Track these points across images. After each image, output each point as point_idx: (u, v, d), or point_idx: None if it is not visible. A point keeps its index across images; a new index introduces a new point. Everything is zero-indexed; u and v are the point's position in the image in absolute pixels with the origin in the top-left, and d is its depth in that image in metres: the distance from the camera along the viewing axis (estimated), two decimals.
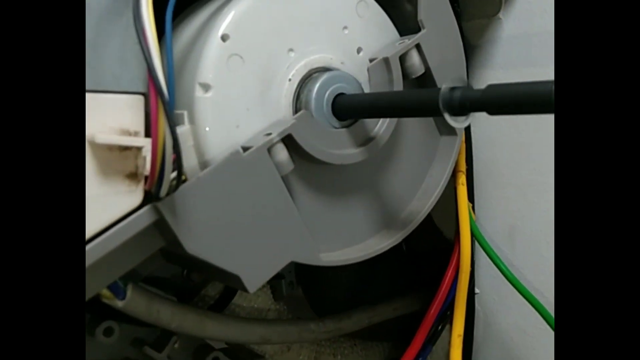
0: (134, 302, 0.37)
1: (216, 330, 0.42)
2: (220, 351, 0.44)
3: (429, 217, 0.58)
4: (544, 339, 0.47)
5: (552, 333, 0.46)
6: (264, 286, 0.52)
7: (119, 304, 0.37)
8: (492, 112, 0.31)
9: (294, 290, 0.58)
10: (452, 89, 0.32)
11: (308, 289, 0.58)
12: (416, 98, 0.35)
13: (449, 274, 0.46)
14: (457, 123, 0.33)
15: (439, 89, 0.32)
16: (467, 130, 0.49)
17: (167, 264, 0.48)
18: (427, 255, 0.60)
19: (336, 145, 0.39)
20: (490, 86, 0.31)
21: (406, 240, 0.60)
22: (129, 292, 0.37)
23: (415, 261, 0.60)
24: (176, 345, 0.42)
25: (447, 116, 0.32)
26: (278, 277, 0.57)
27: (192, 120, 0.37)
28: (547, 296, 0.44)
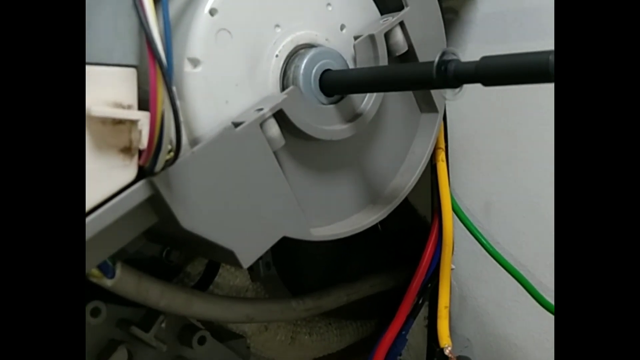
0: (123, 280, 0.36)
1: (203, 309, 0.42)
2: (206, 330, 0.44)
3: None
4: (519, 312, 0.49)
5: (527, 305, 0.48)
6: None
7: (108, 282, 0.36)
8: (486, 84, 0.31)
9: (270, 271, 0.58)
10: (446, 61, 0.32)
11: (283, 270, 0.58)
12: (410, 71, 0.35)
13: (429, 249, 0.47)
14: (451, 96, 0.33)
15: (432, 62, 0.33)
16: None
17: (145, 245, 0.48)
18: (402, 233, 0.61)
19: (325, 121, 0.39)
20: (484, 58, 0.31)
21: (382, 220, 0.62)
22: (118, 271, 0.36)
23: (390, 239, 0.61)
24: (163, 325, 0.41)
25: (441, 89, 0.33)
26: None
27: (181, 97, 0.36)
28: (526, 267, 0.45)
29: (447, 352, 0.39)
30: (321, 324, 0.59)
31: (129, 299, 0.38)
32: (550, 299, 0.44)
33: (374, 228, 0.61)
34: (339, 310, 0.60)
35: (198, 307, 0.41)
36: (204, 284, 0.47)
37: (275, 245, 0.58)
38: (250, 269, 0.55)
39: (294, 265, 0.58)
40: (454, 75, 0.32)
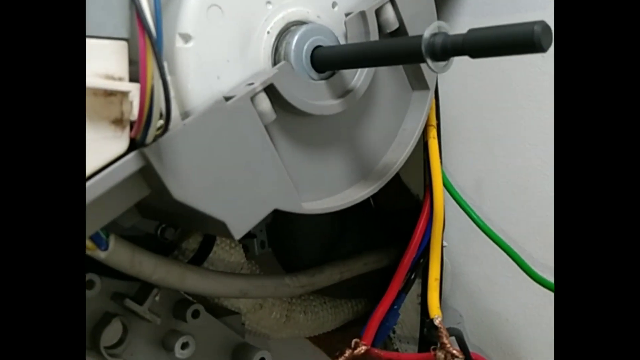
0: (116, 253, 0.37)
1: (197, 283, 0.42)
2: (200, 304, 0.44)
3: (396, 175, 0.60)
4: (511, 287, 0.49)
5: (518, 280, 0.48)
6: (236, 244, 0.53)
7: (102, 254, 0.36)
8: (474, 55, 0.32)
9: (265, 250, 0.58)
10: (434, 34, 0.33)
11: (278, 249, 0.59)
12: (399, 45, 0.35)
13: (421, 224, 0.47)
14: (439, 68, 0.34)
15: (421, 35, 0.33)
16: (435, 87, 0.50)
17: (140, 223, 0.49)
18: (396, 213, 0.62)
19: (316, 97, 0.39)
20: (471, 30, 0.32)
21: (375, 198, 0.62)
22: (111, 243, 0.37)
23: (384, 219, 0.62)
24: (157, 298, 0.42)
25: (429, 61, 0.33)
26: (250, 236, 0.58)
27: (172, 72, 0.36)
28: (518, 242, 0.46)
29: (437, 322, 0.39)
30: (316, 303, 0.60)
31: (122, 272, 0.39)
32: (542, 273, 0.44)
33: (368, 208, 0.63)
34: (334, 289, 0.60)
35: (191, 280, 0.41)
36: (198, 261, 0.48)
37: (270, 224, 0.59)
38: (246, 248, 0.56)
39: (288, 245, 0.58)
40: (441, 48, 0.33)
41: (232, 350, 0.48)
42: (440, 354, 0.38)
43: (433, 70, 0.34)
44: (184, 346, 0.43)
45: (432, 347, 0.39)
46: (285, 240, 0.58)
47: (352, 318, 0.63)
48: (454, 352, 0.37)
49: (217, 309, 0.51)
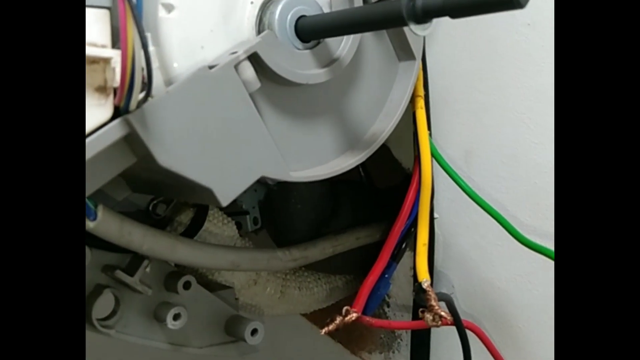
0: (105, 223, 0.37)
1: (187, 254, 0.42)
2: (191, 275, 0.45)
3: (387, 151, 0.60)
4: (502, 255, 0.50)
5: (510, 249, 0.49)
6: (228, 221, 0.53)
7: (90, 224, 0.37)
8: (454, 16, 0.32)
9: (257, 226, 0.59)
10: None
11: (271, 226, 0.59)
12: (380, 10, 0.35)
13: (411, 193, 0.47)
14: (421, 31, 0.34)
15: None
16: (423, 59, 0.51)
17: (131, 200, 0.49)
18: (388, 190, 0.62)
19: (301, 66, 0.40)
20: None
21: (367, 175, 0.62)
22: (99, 213, 0.37)
23: (377, 196, 0.62)
24: (147, 270, 0.42)
25: (411, 24, 0.33)
26: (243, 213, 0.58)
27: (156, 42, 0.36)
28: (509, 210, 0.46)
29: (425, 285, 0.39)
30: (310, 279, 0.60)
31: (113, 244, 0.39)
32: (532, 239, 0.44)
33: (360, 185, 0.63)
34: (329, 266, 0.61)
35: (182, 251, 0.42)
36: (189, 236, 0.48)
37: (263, 201, 0.60)
38: (239, 225, 0.56)
39: (281, 222, 0.58)
40: (422, 10, 0.33)
41: (225, 322, 0.48)
42: (429, 316, 0.38)
43: (415, 34, 0.34)
44: (176, 317, 0.43)
45: (421, 309, 0.39)
46: (278, 217, 0.59)
47: (348, 294, 0.63)
48: (442, 313, 0.38)
49: (211, 285, 0.51)
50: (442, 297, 0.40)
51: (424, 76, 0.49)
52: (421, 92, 0.48)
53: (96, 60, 0.32)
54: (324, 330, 0.41)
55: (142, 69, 0.31)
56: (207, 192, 0.36)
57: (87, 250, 0.41)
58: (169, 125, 0.33)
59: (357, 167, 0.61)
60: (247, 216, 0.57)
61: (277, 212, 0.58)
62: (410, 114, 0.49)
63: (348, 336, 0.67)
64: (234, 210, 0.56)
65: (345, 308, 0.42)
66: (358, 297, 0.45)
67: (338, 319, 0.42)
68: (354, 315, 0.42)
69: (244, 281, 0.54)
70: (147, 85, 0.32)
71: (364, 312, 0.44)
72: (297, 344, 0.73)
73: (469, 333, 0.47)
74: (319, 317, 0.66)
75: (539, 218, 0.46)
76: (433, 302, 0.38)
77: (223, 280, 0.53)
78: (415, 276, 0.54)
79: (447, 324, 0.42)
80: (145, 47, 0.30)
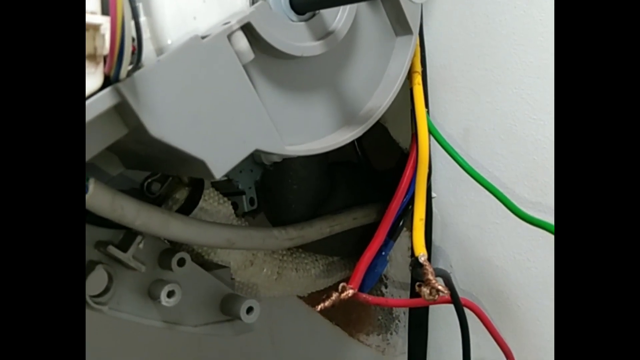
0: (97, 196, 0.37)
1: (180, 230, 0.42)
2: (185, 252, 0.44)
3: (385, 132, 0.60)
4: (500, 234, 0.49)
5: (507, 226, 0.48)
6: (225, 200, 0.52)
7: None
8: None
9: (254, 207, 0.58)
10: None
11: (268, 206, 0.59)
12: None
13: (408, 171, 0.47)
14: None
15: None
16: (421, 35, 0.50)
17: (125, 178, 0.49)
18: (386, 171, 0.61)
19: (295, 38, 0.39)
20: None
21: (364, 155, 0.62)
22: (91, 187, 0.36)
23: (374, 178, 0.61)
24: (140, 246, 0.42)
25: None
26: (239, 193, 0.57)
27: (148, 12, 0.36)
28: (508, 187, 0.46)
29: (422, 260, 0.39)
30: (307, 260, 0.59)
31: (106, 220, 0.39)
32: (532, 214, 0.44)
33: (358, 166, 0.62)
34: (326, 247, 0.60)
35: (175, 227, 0.41)
36: (184, 214, 0.48)
37: (259, 181, 0.59)
38: (235, 205, 0.55)
39: (278, 202, 0.58)
40: None
41: (220, 301, 0.47)
42: (425, 289, 0.38)
43: (412, 1, 0.34)
44: (170, 294, 0.42)
45: (418, 283, 0.39)
46: (274, 198, 0.58)
47: (345, 277, 0.62)
48: (439, 287, 0.37)
49: (206, 265, 0.50)
50: (439, 272, 0.40)
51: (421, 52, 0.49)
52: (418, 68, 0.47)
53: (86, 27, 0.31)
54: (320, 307, 0.40)
55: (133, 39, 0.31)
56: (200, 165, 0.35)
57: None
58: (161, 95, 0.33)
59: (354, 148, 0.61)
60: (244, 196, 0.56)
61: (273, 192, 0.58)
62: (407, 93, 0.48)
63: (345, 318, 0.66)
64: (230, 191, 0.56)
65: (341, 284, 0.42)
66: (354, 274, 0.45)
67: (334, 295, 0.41)
68: (350, 292, 0.41)
69: (240, 262, 0.53)
70: (138, 53, 0.31)
71: (361, 290, 0.44)
72: (295, 327, 0.72)
73: (467, 312, 0.47)
74: (316, 300, 0.65)
75: (538, 194, 0.46)
76: (430, 276, 0.37)
77: (219, 260, 0.52)
78: (413, 253, 0.54)
79: (444, 301, 0.42)
80: (134, 12, 0.29)
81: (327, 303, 0.41)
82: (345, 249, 0.61)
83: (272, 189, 0.57)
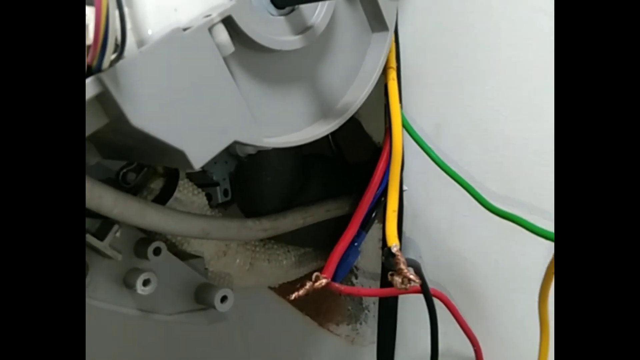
0: None
1: (157, 219, 0.42)
2: (162, 242, 0.45)
3: (358, 126, 0.61)
4: (469, 226, 0.51)
5: (476, 220, 0.50)
6: (199, 191, 0.53)
7: None
8: None
9: (228, 198, 0.59)
10: None
11: (241, 198, 0.59)
12: None
13: (381, 164, 0.48)
14: None
15: None
16: (396, 32, 0.51)
17: (100, 168, 0.49)
18: (359, 164, 0.63)
19: (275, 32, 0.40)
20: None
21: (338, 149, 0.63)
22: None
23: (347, 171, 0.62)
24: (117, 235, 0.42)
25: None
26: (213, 184, 0.58)
27: (129, 4, 0.36)
28: (478, 181, 0.47)
29: (394, 250, 0.40)
30: (280, 252, 0.60)
31: None
32: (501, 207, 0.45)
33: (331, 159, 0.63)
34: (298, 238, 0.61)
35: (152, 217, 0.42)
36: (160, 201, 0.48)
37: (233, 172, 0.60)
38: (209, 196, 0.56)
39: (252, 193, 0.59)
40: None
41: (195, 290, 0.48)
42: (397, 279, 0.39)
43: None
44: (146, 283, 0.43)
45: (390, 272, 0.40)
46: (248, 189, 0.59)
47: (316, 268, 0.63)
48: (411, 276, 0.38)
49: (180, 255, 0.51)
50: (410, 262, 0.41)
51: (396, 49, 0.50)
52: (393, 63, 0.48)
53: None
54: (294, 295, 0.41)
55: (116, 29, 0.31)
56: (179, 155, 0.35)
57: None
58: (142, 86, 0.33)
59: (328, 141, 0.62)
60: (218, 187, 0.57)
61: (247, 184, 0.58)
62: (381, 89, 0.49)
63: (316, 309, 0.68)
64: (204, 182, 0.56)
65: (315, 274, 0.43)
66: (328, 264, 0.46)
67: (308, 284, 0.42)
68: (323, 281, 0.42)
69: (213, 252, 0.54)
70: (121, 44, 0.31)
71: (334, 279, 0.45)
72: (265, 317, 0.73)
73: (436, 302, 0.48)
74: (287, 291, 0.66)
75: (507, 188, 0.47)
76: (402, 266, 0.39)
77: (193, 250, 0.52)
78: (384, 244, 0.55)
79: (414, 291, 0.43)
80: (119, 3, 0.30)
81: (301, 292, 0.42)
82: (317, 241, 0.62)
83: (247, 181, 0.58)
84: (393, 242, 0.41)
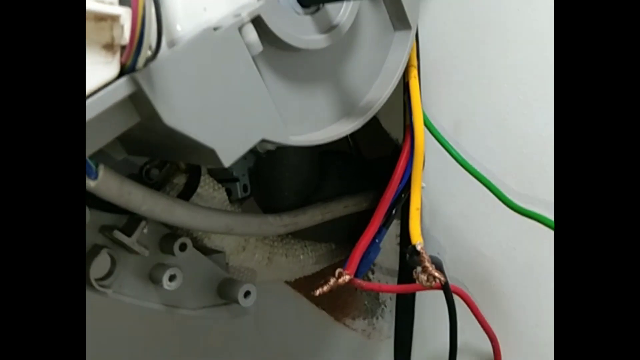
0: (106, 182, 0.37)
1: (184, 216, 0.43)
2: (187, 237, 0.45)
3: (376, 122, 0.61)
4: (488, 223, 0.51)
5: (495, 217, 0.50)
6: (219, 187, 0.53)
7: (91, 184, 0.37)
8: None
9: (247, 194, 0.59)
10: None
11: (260, 193, 0.60)
12: None
13: (402, 161, 0.48)
14: None
15: None
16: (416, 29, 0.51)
17: (124, 165, 0.49)
18: (376, 161, 0.63)
19: (301, 31, 0.40)
20: None
21: (356, 145, 0.63)
22: (100, 172, 0.37)
23: (365, 167, 0.63)
24: (145, 231, 0.43)
25: None
26: (233, 180, 0.58)
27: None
28: (498, 178, 0.47)
29: (419, 247, 0.41)
30: (297, 246, 0.61)
31: (110, 203, 0.39)
32: (521, 204, 0.46)
33: (349, 155, 0.64)
34: (315, 234, 0.62)
35: (180, 213, 0.42)
36: (183, 197, 0.48)
37: (252, 168, 0.60)
38: (229, 192, 0.56)
39: (270, 189, 0.59)
40: None
41: (218, 285, 0.49)
42: (423, 276, 0.39)
43: None
44: (172, 278, 0.43)
45: (415, 270, 0.40)
46: (266, 185, 0.59)
47: (332, 262, 0.64)
48: (436, 274, 0.39)
49: (202, 249, 0.51)
50: (433, 260, 0.41)
51: (417, 46, 0.50)
52: (415, 62, 0.49)
53: (104, 18, 0.32)
54: (317, 292, 0.42)
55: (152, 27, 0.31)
56: (209, 153, 0.36)
57: (86, 210, 0.41)
58: (175, 85, 0.34)
59: (346, 138, 0.62)
60: (237, 183, 0.57)
61: (265, 179, 0.59)
62: (400, 86, 0.49)
63: (332, 303, 0.68)
64: (224, 177, 0.56)
65: (338, 270, 0.43)
66: (350, 260, 0.46)
67: (332, 281, 0.43)
68: (346, 277, 0.43)
69: (233, 247, 0.54)
70: (156, 44, 0.32)
71: (355, 275, 0.45)
72: (281, 312, 0.74)
73: (455, 298, 0.49)
74: (302, 285, 0.67)
75: (526, 186, 0.48)
76: (427, 264, 0.39)
77: (213, 245, 0.53)
78: (402, 242, 0.56)
79: (436, 287, 0.43)
80: (157, 5, 0.30)
81: (325, 288, 0.42)
82: (334, 236, 0.63)
83: (265, 177, 0.59)
84: (417, 240, 0.41)
